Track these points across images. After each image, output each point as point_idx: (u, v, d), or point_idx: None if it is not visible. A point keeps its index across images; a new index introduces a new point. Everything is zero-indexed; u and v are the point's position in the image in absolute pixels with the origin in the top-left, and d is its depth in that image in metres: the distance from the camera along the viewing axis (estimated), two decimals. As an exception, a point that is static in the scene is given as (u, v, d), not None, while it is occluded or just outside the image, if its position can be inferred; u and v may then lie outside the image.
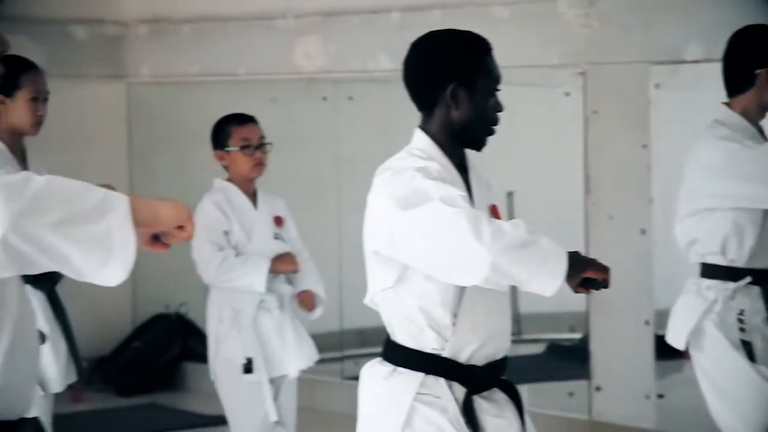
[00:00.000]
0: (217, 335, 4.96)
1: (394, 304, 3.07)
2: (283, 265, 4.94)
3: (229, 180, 5.03)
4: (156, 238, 2.23)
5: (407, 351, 3.06)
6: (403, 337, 3.07)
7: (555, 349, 8.14)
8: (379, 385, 3.10)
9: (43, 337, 4.09)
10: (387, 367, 3.09)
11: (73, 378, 4.50)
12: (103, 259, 2.11)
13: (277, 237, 5.02)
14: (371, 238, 3.08)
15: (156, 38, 8.11)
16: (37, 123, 4.42)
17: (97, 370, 7.91)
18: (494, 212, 3.16)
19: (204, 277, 4.92)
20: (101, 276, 2.13)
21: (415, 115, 3.21)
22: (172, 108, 8.39)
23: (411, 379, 3.04)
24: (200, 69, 7.92)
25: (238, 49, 7.74)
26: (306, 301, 5.02)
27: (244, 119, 5.04)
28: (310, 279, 5.06)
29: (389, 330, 3.11)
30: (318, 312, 5.08)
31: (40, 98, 4.41)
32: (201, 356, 7.50)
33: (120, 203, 2.13)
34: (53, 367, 4.36)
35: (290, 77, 7.62)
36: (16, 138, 4.40)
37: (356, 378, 3.20)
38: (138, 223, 2.15)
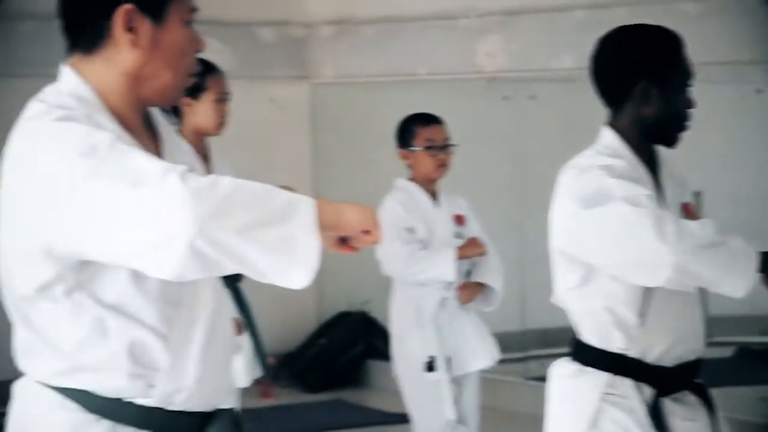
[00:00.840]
0: (399, 333, 4.98)
1: (580, 303, 3.04)
2: (469, 249, 4.91)
3: (412, 179, 5.05)
4: (344, 241, 2.22)
5: (594, 350, 3.03)
6: (589, 336, 3.03)
7: (746, 352, 7.94)
8: (566, 385, 3.07)
9: (240, 328, 4.13)
10: (574, 366, 3.06)
11: (258, 373, 4.57)
12: (287, 263, 2.11)
13: (458, 236, 5.02)
14: (556, 237, 3.05)
15: (339, 39, 8.20)
16: (221, 124, 4.51)
17: (284, 367, 8.04)
18: (687, 211, 3.09)
19: (391, 272, 4.94)
20: (285, 279, 2.13)
21: (599, 114, 3.16)
22: (355, 108, 8.47)
23: (597, 378, 3.00)
24: (382, 69, 7.97)
25: (419, 48, 7.76)
26: (466, 292, 4.95)
27: (429, 119, 5.05)
28: (488, 272, 5.03)
29: (576, 329, 3.08)
30: (491, 306, 5.03)
31: (223, 99, 4.51)
32: (385, 354, 7.56)
33: (305, 207, 2.12)
34: (239, 362, 4.44)
35: (471, 77, 7.60)
36: (200, 138, 4.49)
37: (539, 378, 3.19)
38: (323, 226, 2.13)
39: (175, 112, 4.31)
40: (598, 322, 3.01)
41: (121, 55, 2.23)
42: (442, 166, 5.01)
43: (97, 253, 2.13)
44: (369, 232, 2.20)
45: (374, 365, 8.07)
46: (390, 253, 4.87)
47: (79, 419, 2.22)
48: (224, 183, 2.08)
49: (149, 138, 2.31)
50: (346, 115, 8.47)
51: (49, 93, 2.23)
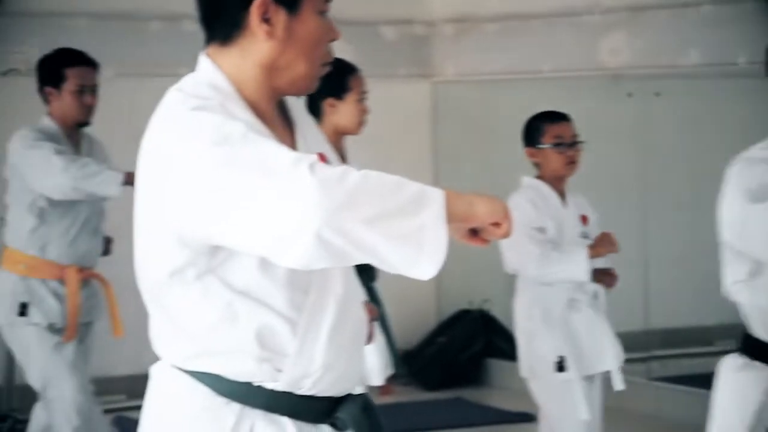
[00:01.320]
0: (528, 333, 4.94)
1: (747, 297, 3.00)
2: (602, 247, 4.85)
3: (539, 177, 5.00)
4: (474, 232, 2.22)
5: (762, 345, 2.98)
6: (758, 330, 2.99)
7: None
8: (730, 378, 3.04)
9: (373, 312, 4.15)
10: (741, 360, 3.03)
11: (390, 371, 4.59)
12: (415, 254, 2.11)
13: (584, 235, 4.97)
14: (723, 230, 3.01)
15: (462, 37, 8.20)
16: (362, 123, 4.52)
17: (403, 364, 8.06)
18: None
19: (522, 273, 4.90)
20: (412, 270, 2.13)
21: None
22: (477, 106, 8.46)
23: (763, 373, 2.96)
24: (504, 67, 7.95)
25: (542, 46, 7.72)
26: (609, 278, 4.88)
27: (557, 117, 5.01)
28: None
29: (745, 322, 3.05)
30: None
31: (364, 99, 4.53)
32: (504, 353, 7.54)
33: (435, 199, 2.12)
34: (375, 359, 4.45)
35: (595, 73, 7.54)
36: (339, 138, 4.50)
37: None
38: (452, 218, 2.13)
39: (312, 111, 4.34)
40: (767, 316, 2.97)
41: (257, 45, 2.27)
42: (572, 163, 4.96)
43: (227, 240, 2.17)
44: (499, 224, 2.19)
45: (494, 364, 8.05)
46: (522, 254, 4.81)
47: (210, 402, 2.27)
48: (354, 174, 2.10)
49: (284, 127, 2.35)
50: (468, 114, 8.46)
51: (187, 82, 2.29)
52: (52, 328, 5.06)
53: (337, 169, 2.11)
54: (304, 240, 2.06)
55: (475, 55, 8.13)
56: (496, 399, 7.64)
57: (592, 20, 7.43)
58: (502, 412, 7.27)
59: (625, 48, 7.28)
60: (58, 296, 5.05)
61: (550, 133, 4.94)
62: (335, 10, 2.40)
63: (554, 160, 4.94)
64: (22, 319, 5.00)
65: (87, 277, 5.16)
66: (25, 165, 4.95)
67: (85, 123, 5.13)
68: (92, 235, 5.16)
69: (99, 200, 5.09)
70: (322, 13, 2.32)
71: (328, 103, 4.42)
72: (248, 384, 2.27)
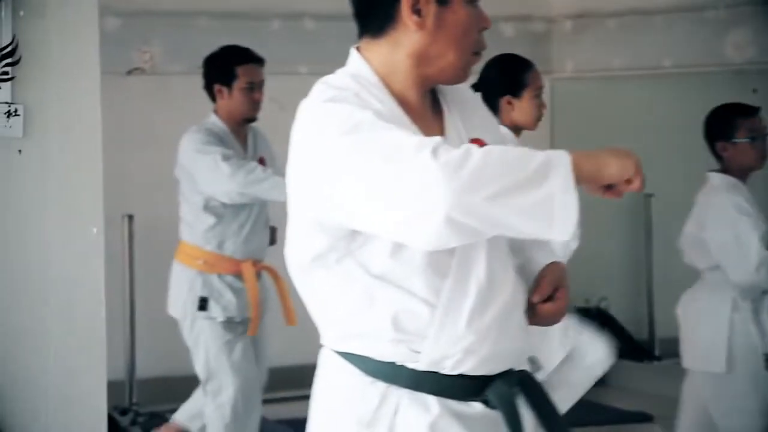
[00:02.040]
0: (730, 326, 4.81)
1: None
2: None
3: (724, 172, 4.89)
4: (609, 187, 2.23)
5: None
6: None
7: None
8: None
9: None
10: None
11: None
12: (547, 222, 2.14)
13: None
14: None
15: (581, 33, 8.12)
16: (539, 118, 4.54)
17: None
18: None
19: (738, 277, 4.75)
20: (546, 236, 2.17)
21: None
22: (595, 102, 8.38)
23: None
24: (624, 63, 7.86)
25: (663, 41, 7.61)
26: None
27: (750, 110, 4.93)
28: None
29: None
30: None
31: (540, 94, 4.59)
32: (622, 352, 7.44)
33: (562, 165, 2.14)
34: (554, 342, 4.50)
35: (718, 69, 7.41)
36: (517, 134, 4.49)
37: None
38: (581, 179, 2.15)
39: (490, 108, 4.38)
40: None
41: (408, 37, 2.33)
42: (764, 157, 4.91)
43: (360, 225, 2.24)
44: (630, 180, 2.20)
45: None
46: (743, 256, 4.72)
47: (357, 381, 2.34)
48: (476, 153, 2.13)
49: (433, 115, 2.40)
50: (587, 110, 8.39)
51: (335, 75, 2.38)
52: (230, 323, 5.17)
53: (459, 150, 2.14)
54: (433, 223, 2.11)
55: (594, 51, 8.05)
56: (615, 398, 7.55)
57: (716, 15, 7.30)
58: (621, 411, 7.18)
59: (750, 43, 7.15)
60: (234, 290, 5.17)
61: (744, 127, 4.87)
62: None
63: (749, 154, 4.87)
64: (202, 313, 5.14)
65: (260, 270, 5.23)
66: (194, 169, 5.10)
67: (252, 119, 5.19)
68: (263, 229, 5.26)
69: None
70: (472, 2, 2.36)
71: (505, 101, 4.46)
72: (392, 364, 2.32)
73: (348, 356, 2.35)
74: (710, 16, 7.34)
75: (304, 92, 7.33)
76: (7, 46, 4.28)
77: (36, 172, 4.48)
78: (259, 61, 5.22)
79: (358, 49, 2.40)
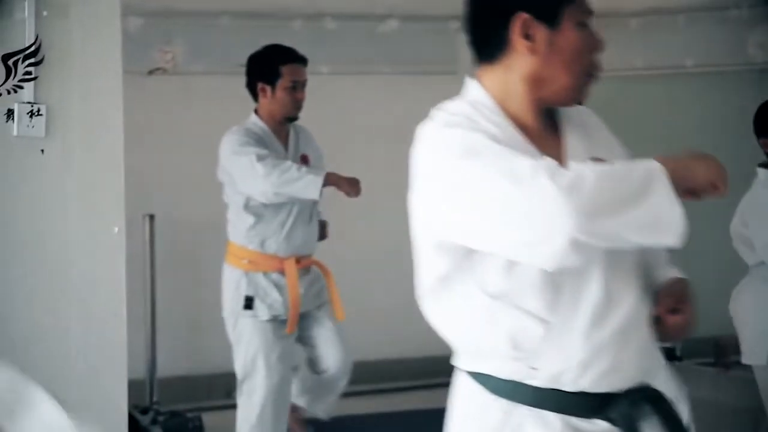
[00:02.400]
0: None
1: None
2: None
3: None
4: (691, 190, 2.28)
5: None
6: None
7: None
8: None
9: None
10: None
11: None
12: (659, 234, 2.20)
13: None
14: None
15: (602, 32, 8.10)
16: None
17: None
18: None
19: None
20: (662, 243, 2.23)
21: None
22: (617, 102, 8.35)
23: None
24: (646, 62, 7.84)
25: (686, 40, 7.59)
26: None
27: None
28: None
29: None
30: None
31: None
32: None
33: (660, 174, 2.20)
34: None
35: (741, 68, 7.39)
36: None
37: None
38: (675, 185, 2.21)
39: None
40: None
41: (520, 61, 2.39)
42: None
43: (479, 245, 2.30)
44: (716, 185, 2.26)
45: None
46: None
47: (483, 399, 2.41)
48: (588, 173, 2.20)
49: (551, 136, 2.44)
50: (609, 109, 8.33)
51: (453, 102, 2.46)
52: (275, 321, 5.20)
53: (572, 172, 2.20)
54: (557, 245, 2.18)
55: (616, 51, 8.00)
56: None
57: (738, 14, 7.28)
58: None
59: (773, 42, 7.13)
60: (280, 288, 5.21)
61: None
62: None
63: None
64: (247, 312, 5.18)
65: (306, 265, 5.26)
66: (232, 170, 5.16)
67: (294, 118, 5.24)
68: (307, 225, 5.28)
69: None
70: (583, 24, 2.41)
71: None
72: (513, 381, 2.37)
73: (473, 375, 2.43)
74: (732, 16, 7.31)
75: (325, 91, 7.37)
76: (30, 46, 4.30)
77: (58, 171, 4.50)
78: (302, 60, 5.29)
79: (476, 76, 2.47)
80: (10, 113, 4.35)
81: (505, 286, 2.33)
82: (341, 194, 5.16)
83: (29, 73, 4.31)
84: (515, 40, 2.39)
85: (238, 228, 5.23)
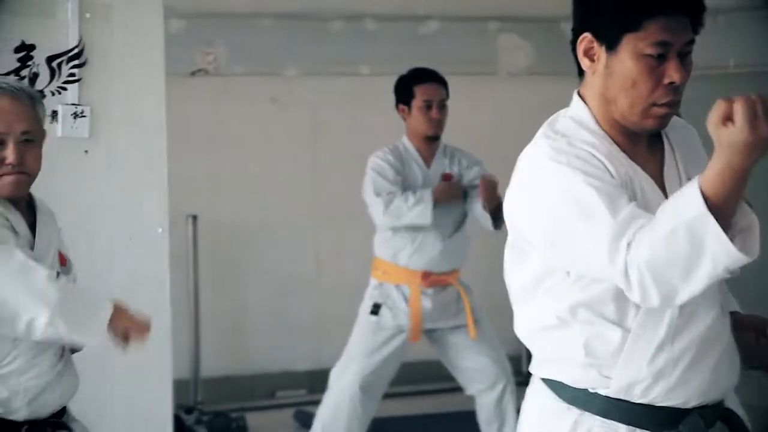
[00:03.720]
0: None
1: None
2: None
3: None
4: None
5: None
6: None
7: None
8: None
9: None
10: None
11: None
12: (731, 269, 2.19)
13: None
14: None
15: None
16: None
17: None
18: None
19: None
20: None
21: None
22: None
23: None
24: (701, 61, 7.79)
25: (728, 41, 7.52)
26: None
27: None
28: None
29: None
30: None
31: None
32: None
33: (703, 223, 2.16)
34: None
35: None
36: None
37: None
38: (723, 198, 2.17)
39: None
40: None
41: (591, 79, 2.43)
42: None
43: (566, 266, 2.37)
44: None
45: None
46: None
47: (553, 407, 2.44)
48: (648, 221, 2.22)
49: (652, 154, 2.46)
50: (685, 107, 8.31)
51: (558, 119, 2.48)
52: (399, 330, 5.35)
53: (641, 248, 2.21)
54: (629, 282, 2.22)
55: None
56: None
57: (781, 13, 7.23)
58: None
59: None
60: (408, 300, 5.36)
61: None
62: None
63: None
64: (373, 317, 5.36)
65: (439, 282, 5.35)
66: (367, 190, 5.42)
67: (434, 137, 5.39)
68: (444, 240, 5.42)
69: (451, 209, 5.39)
70: (648, 56, 2.37)
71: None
72: (584, 390, 2.39)
73: (547, 381, 2.45)
74: (772, 14, 7.27)
75: (365, 93, 7.39)
76: (73, 49, 4.33)
77: (102, 172, 4.53)
78: (438, 80, 5.44)
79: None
80: (54, 115, 4.38)
81: (583, 293, 2.36)
82: None
83: (73, 74, 4.34)
84: (579, 58, 2.43)
85: (378, 240, 5.48)
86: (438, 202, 5.30)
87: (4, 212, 3.05)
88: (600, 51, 2.40)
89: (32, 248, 3.07)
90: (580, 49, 2.42)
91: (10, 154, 3.03)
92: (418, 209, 5.28)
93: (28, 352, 3.06)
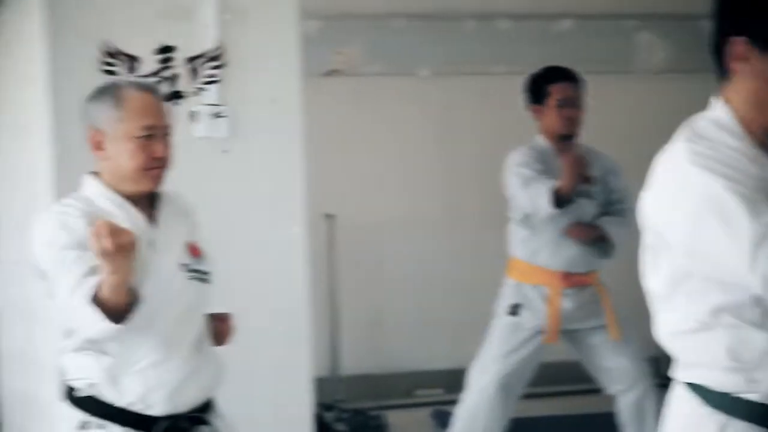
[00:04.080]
0: None
1: None
2: None
3: None
4: None
5: None
6: None
7: None
8: None
9: None
10: None
11: None
12: None
13: None
14: None
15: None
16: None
17: None
18: None
19: None
20: None
21: None
22: None
23: None
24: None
25: None
26: None
27: None
28: None
29: None
30: None
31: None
32: None
33: None
34: None
35: None
36: None
37: None
38: None
39: None
40: None
41: (739, 82, 2.38)
42: None
43: (708, 272, 2.34)
44: None
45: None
46: None
47: (698, 412, 2.40)
48: None
49: None
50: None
51: (699, 121, 2.43)
52: (538, 330, 5.32)
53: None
54: None
55: None
56: None
57: None
58: None
59: None
60: (547, 301, 5.33)
61: None
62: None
63: None
64: (512, 318, 5.33)
65: (579, 283, 5.36)
66: (509, 186, 5.34)
67: (568, 136, 5.35)
68: (581, 241, 5.35)
69: (584, 209, 5.33)
70: None
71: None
72: (728, 395, 2.36)
73: (691, 386, 2.42)
74: None
75: (497, 92, 7.32)
76: (213, 50, 4.40)
77: (241, 171, 4.59)
78: (573, 79, 5.38)
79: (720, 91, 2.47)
80: (193, 115, 4.45)
81: (725, 296, 2.33)
82: None
83: (212, 76, 4.41)
84: (731, 61, 2.38)
85: (514, 240, 5.41)
86: (567, 186, 5.10)
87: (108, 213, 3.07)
88: (753, 54, 2.35)
89: (151, 243, 3.10)
90: (731, 51, 2.36)
91: (159, 148, 3.10)
92: (542, 192, 5.14)
93: (161, 347, 3.09)
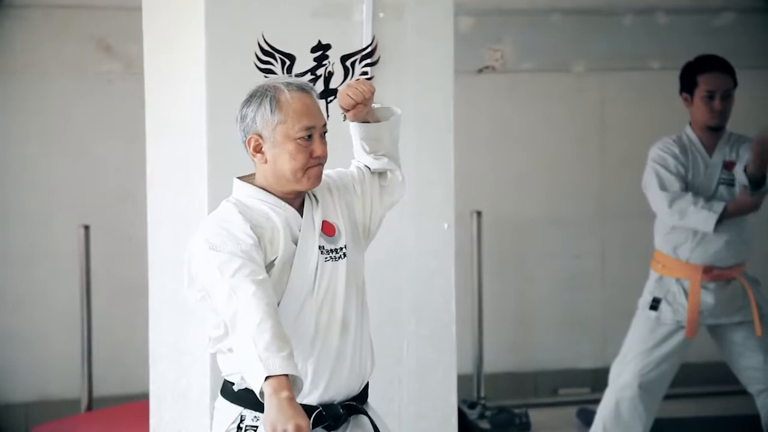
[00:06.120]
0: None
1: None
2: None
3: None
4: None
5: None
6: None
7: None
8: None
9: None
10: None
11: None
12: None
13: None
14: None
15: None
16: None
17: None
18: None
19: None
20: None
21: None
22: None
23: None
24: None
25: None
26: None
27: None
28: None
29: None
30: None
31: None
32: None
33: None
34: None
35: None
36: None
37: None
38: None
39: None
40: None
41: None
42: None
43: None
44: None
45: None
46: None
47: None
48: None
49: None
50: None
51: None
52: (679, 326, 5.28)
53: None
54: None
55: None
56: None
57: None
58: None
59: None
60: (688, 295, 5.30)
61: None
62: None
63: None
64: (652, 312, 5.32)
65: (723, 277, 5.28)
66: (649, 181, 5.35)
67: (717, 127, 5.30)
68: (730, 234, 5.29)
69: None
70: None
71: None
72: None
73: None
74: None
75: (655, 87, 7.27)
76: (367, 48, 4.42)
77: (391, 168, 4.60)
78: (724, 69, 5.31)
79: None
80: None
81: None
82: None
83: (365, 73, 4.43)
84: None
85: (658, 233, 5.39)
86: (729, 215, 5.13)
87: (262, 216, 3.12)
88: None
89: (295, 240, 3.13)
90: None
91: (318, 147, 3.14)
92: (704, 215, 5.13)
93: (306, 337, 3.12)
